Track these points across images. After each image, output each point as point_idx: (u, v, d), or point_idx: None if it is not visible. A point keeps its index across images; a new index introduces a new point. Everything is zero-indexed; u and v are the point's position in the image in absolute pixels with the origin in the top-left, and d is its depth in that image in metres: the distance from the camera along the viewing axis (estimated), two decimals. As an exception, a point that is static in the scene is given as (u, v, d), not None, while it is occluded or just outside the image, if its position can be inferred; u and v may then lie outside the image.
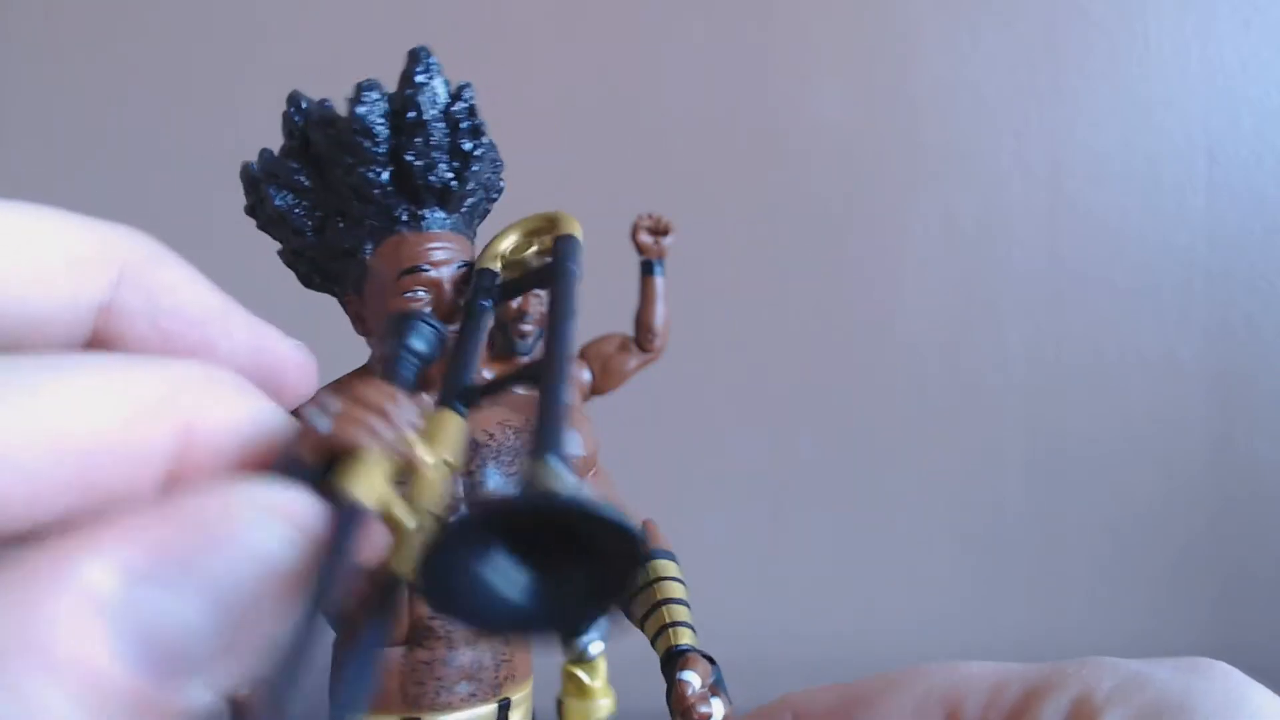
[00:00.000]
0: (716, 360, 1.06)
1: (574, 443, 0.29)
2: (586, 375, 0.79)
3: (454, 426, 0.19)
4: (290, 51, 1.04)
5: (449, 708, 0.25)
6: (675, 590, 0.28)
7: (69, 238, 0.18)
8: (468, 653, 0.25)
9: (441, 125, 0.25)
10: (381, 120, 0.26)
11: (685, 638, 0.27)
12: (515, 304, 0.75)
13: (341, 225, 0.26)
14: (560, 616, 0.16)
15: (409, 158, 0.25)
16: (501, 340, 0.75)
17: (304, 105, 0.26)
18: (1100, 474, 1.07)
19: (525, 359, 0.76)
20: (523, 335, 0.75)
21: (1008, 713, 0.24)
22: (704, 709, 0.25)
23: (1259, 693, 0.22)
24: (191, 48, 1.07)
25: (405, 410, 0.19)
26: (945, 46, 1.09)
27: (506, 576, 0.16)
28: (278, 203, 0.26)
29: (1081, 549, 1.07)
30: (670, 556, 0.30)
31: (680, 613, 0.28)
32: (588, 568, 0.16)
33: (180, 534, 0.14)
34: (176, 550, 0.13)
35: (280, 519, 0.15)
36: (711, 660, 0.26)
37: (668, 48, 1.09)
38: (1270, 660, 1.10)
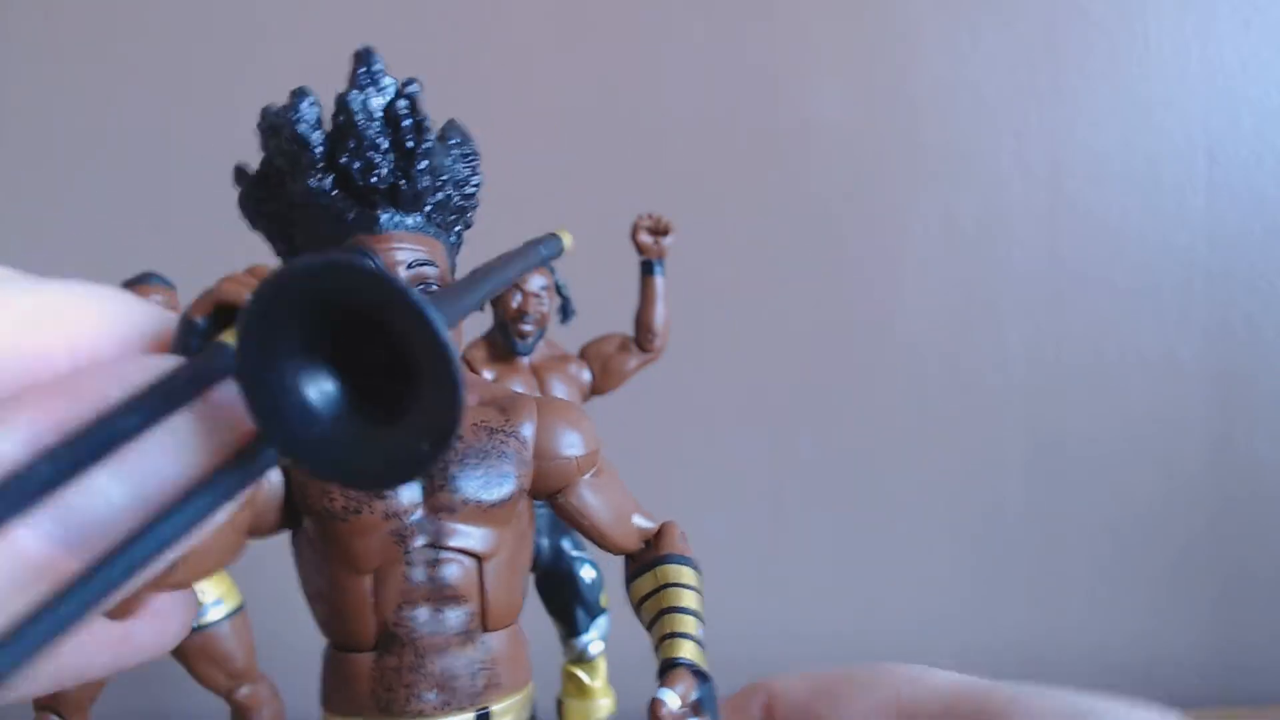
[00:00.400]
0: (716, 360, 1.06)
1: (575, 442, 0.28)
2: (586, 375, 0.79)
3: None
4: (290, 52, 1.04)
5: (420, 715, 0.24)
6: (683, 598, 0.26)
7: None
8: (436, 661, 0.25)
9: (378, 125, 0.25)
10: (314, 127, 0.25)
11: (683, 650, 0.25)
12: (515, 304, 0.75)
13: (303, 235, 0.26)
14: (396, 454, 0.15)
15: (343, 161, 0.25)
16: (502, 340, 0.75)
17: (267, 115, 0.25)
18: (1100, 474, 1.07)
19: (526, 359, 0.76)
20: (523, 335, 0.75)
21: None
22: None
23: None
24: (191, 47, 1.07)
25: None
26: (945, 46, 1.08)
27: (338, 412, 0.16)
28: (256, 226, 0.26)
29: (1081, 549, 1.07)
30: (686, 562, 0.28)
31: (683, 623, 0.26)
32: (415, 400, 0.15)
33: (80, 404, 0.14)
34: (78, 420, 0.14)
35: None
36: (705, 677, 0.25)
37: (668, 48, 1.09)
38: (1269, 660, 1.11)
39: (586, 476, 0.27)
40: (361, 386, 0.16)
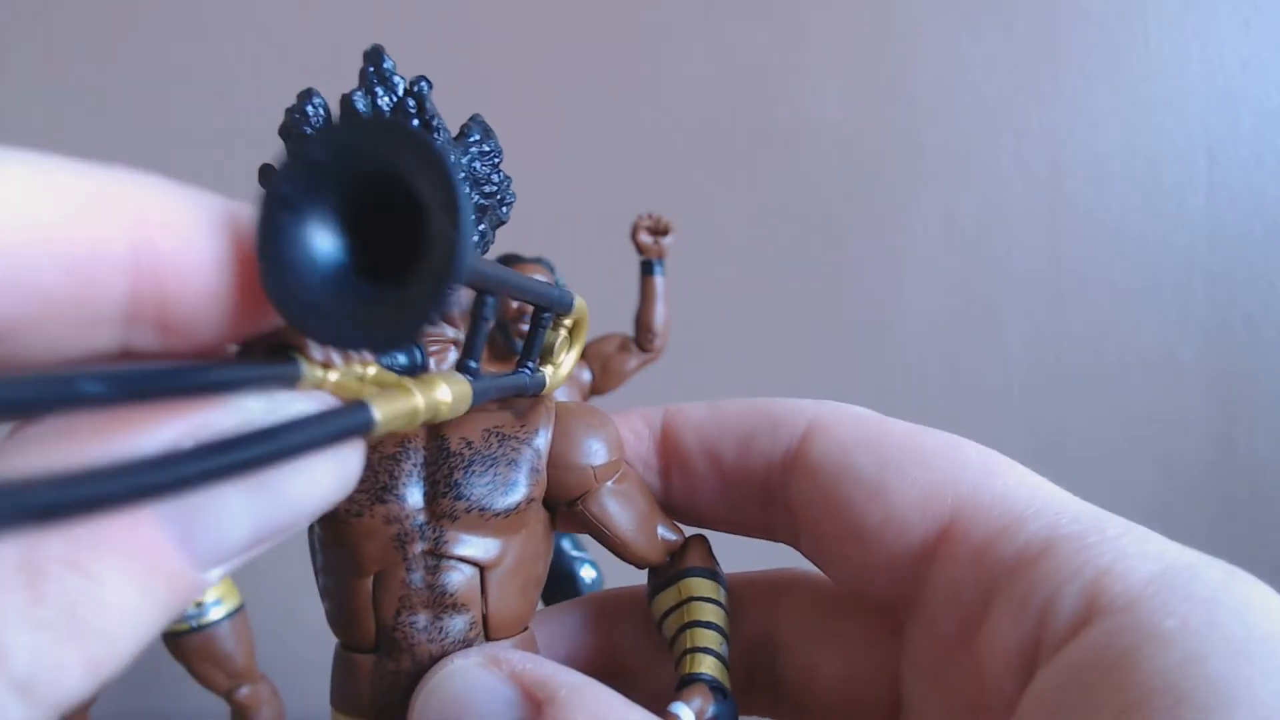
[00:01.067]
0: (716, 360, 1.06)
1: (594, 450, 0.27)
2: (586, 375, 0.79)
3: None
4: (291, 51, 1.04)
5: None
6: (706, 612, 0.25)
7: (80, 186, 0.16)
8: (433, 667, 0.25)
9: None
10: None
11: (703, 665, 0.24)
12: (515, 304, 0.75)
13: None
14: (399, 313, 0.16)
15: None
16: (502, 340, 0.75)
17: (290, 115, 0.25)
18: (1100, 474, 1.07)
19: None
20: (522, 335, 0.75)
21: (1017, 554, 0.20)
22: None
23: None
24: (192, 45, 1.07)
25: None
26: (945, 46, 1.08)
27: (344, 276, 0.16)
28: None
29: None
30: (711, 575, 0.26)
31: (705, 638, 0.24)
32: (422, 256, 0.15)
33: (227, 418, 0.15)
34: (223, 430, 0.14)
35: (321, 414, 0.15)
36: (725, 693, 0.24)
37: (668, 48, 1.09)
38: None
39: (608, 485, 0.26)
40: (368, 263, 0.16)
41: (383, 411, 0.16)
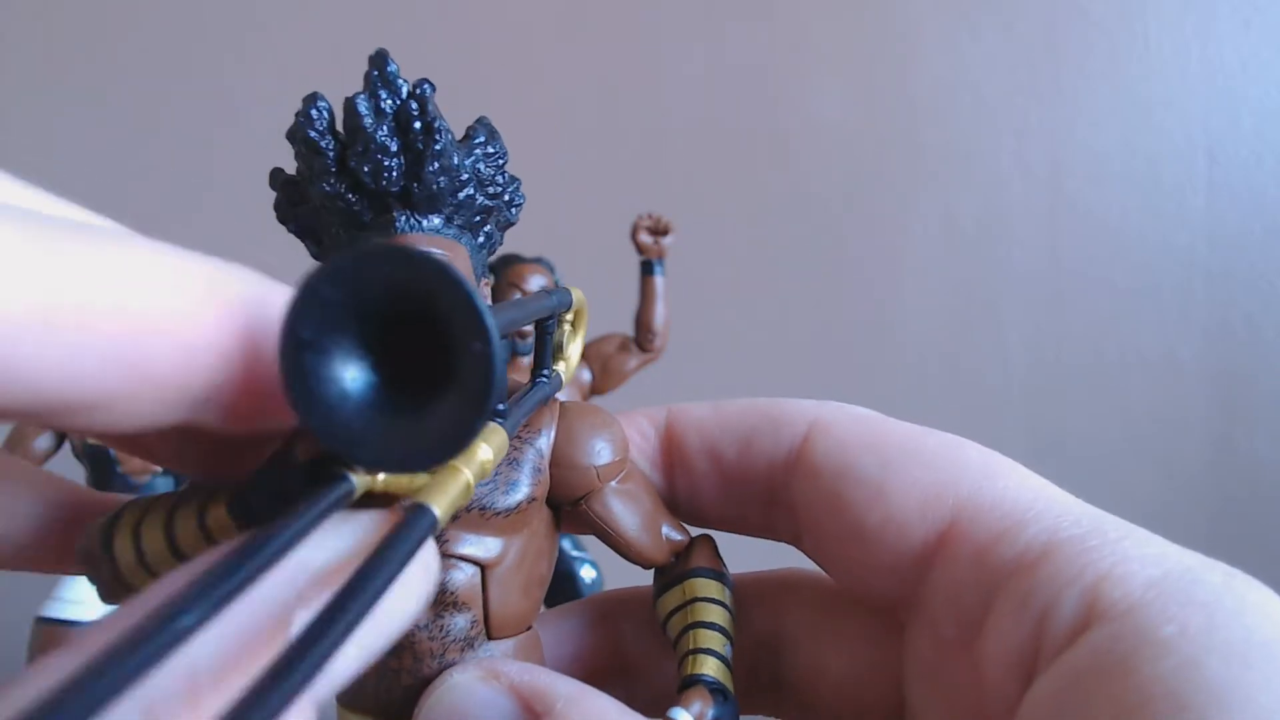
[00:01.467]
0: (716, 360, 1.06)
1: (597, 450, 0.27)
2: (586, 375, 0.79)
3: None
4: (292, 51, 1.04)
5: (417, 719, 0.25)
6: (710, 613, 0.25)
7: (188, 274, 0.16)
8: (433, 665, 0.25)
9: (388, 128, 0.25)
10: (325, 132, 0.25)
11: (705, 666, 0.24)
12: (515, 304, 0.75)
13: (327, 238, 0.26)
14: (435, 434, 0.16)
15: (354, 164, 0.25)
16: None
17: (296, 119, 0.25)
18: (1100, 474, 1.07)
19: (525, 359, 0.76)
20: (522, 335, 0.75)
21: (1017, 557, 0.20)
22: None
23: None
24: (193, 46, 1.07)
25: None
26: (945, 47, 1.08)
27: (374, 399, 0.17)
28: (289, 228, 0.26)
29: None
30: (717, 576, 0.26)
31: (708, 639, 0.24)
32: (453, 380, 0.16)
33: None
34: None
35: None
36: (726, 695, 0.24)
37: (668, 49, 1.09)
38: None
39: (613, 484, 0.26)
40: (396, 377, 0.17)
41: (441, 506, 0.17)
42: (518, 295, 0.74)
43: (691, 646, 0.24)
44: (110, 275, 0.14)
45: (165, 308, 0.15)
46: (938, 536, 0.22)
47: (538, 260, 0.77)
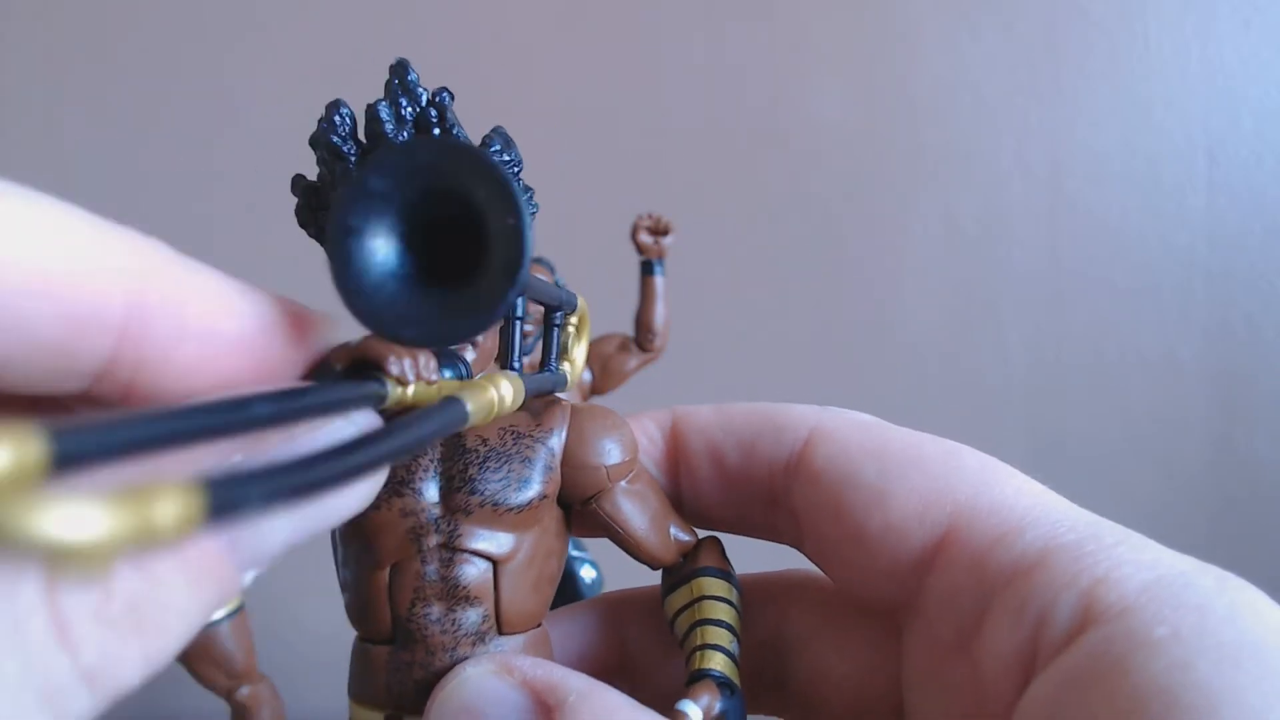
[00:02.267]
0: (716, 360, 1.06)
1: (607, 450, 0.28)
2: (587, 375, 0.79)
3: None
4: (292, 52, 1.04)
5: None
6: (717, 611, 0.25)
7: (94, 244, 0.17)
8: (446, 659, 0.25)
9: (408, 132, 0.26)
10: (348, 137, 0.26)
11: (713, 661, 0.24)
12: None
13: None
14: (465, 307, 0.18)
15: None
16: (502, 340, 0.75)
17: (319, 125, 0.26)
18: (1100, 474, 1.07)
19: (526, 359, 0.76)
20: (524, 335, 0.75)
21: (1015, 561, 0.21)
22: None
23: None
24: (195, 45, 1.07)
25: (428, 360, 0.21)
26: (945, 46, 1.08)
27: (419, 286, 0.18)
28: (310, 233, 0.27)
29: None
30: (724, 575, 0.26)
31: (715, 635, 0.25)
32: (484, 259, 0.18)
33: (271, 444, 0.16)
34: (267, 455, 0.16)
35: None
36: (733, 689, 0.23)
37: (668, 49, 1.09)
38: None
39: (622, 484, 0.27)
40: (435, 263, 0.19)
41: (473, 404, 0.18)
42: (518, 295, 0.74)
43: (699, 643, 0.25)
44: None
45: (50, 270, 0.15)
46: (935, 542, 0.23)
47: (538, 260, 0.77)
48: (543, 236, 0.88)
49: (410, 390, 0.20)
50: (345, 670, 0.27)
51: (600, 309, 0.83)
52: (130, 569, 0.14)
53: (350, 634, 0.27)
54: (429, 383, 0.21)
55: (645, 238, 0.78)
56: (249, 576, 0.16)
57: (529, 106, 1.06)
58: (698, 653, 0.25)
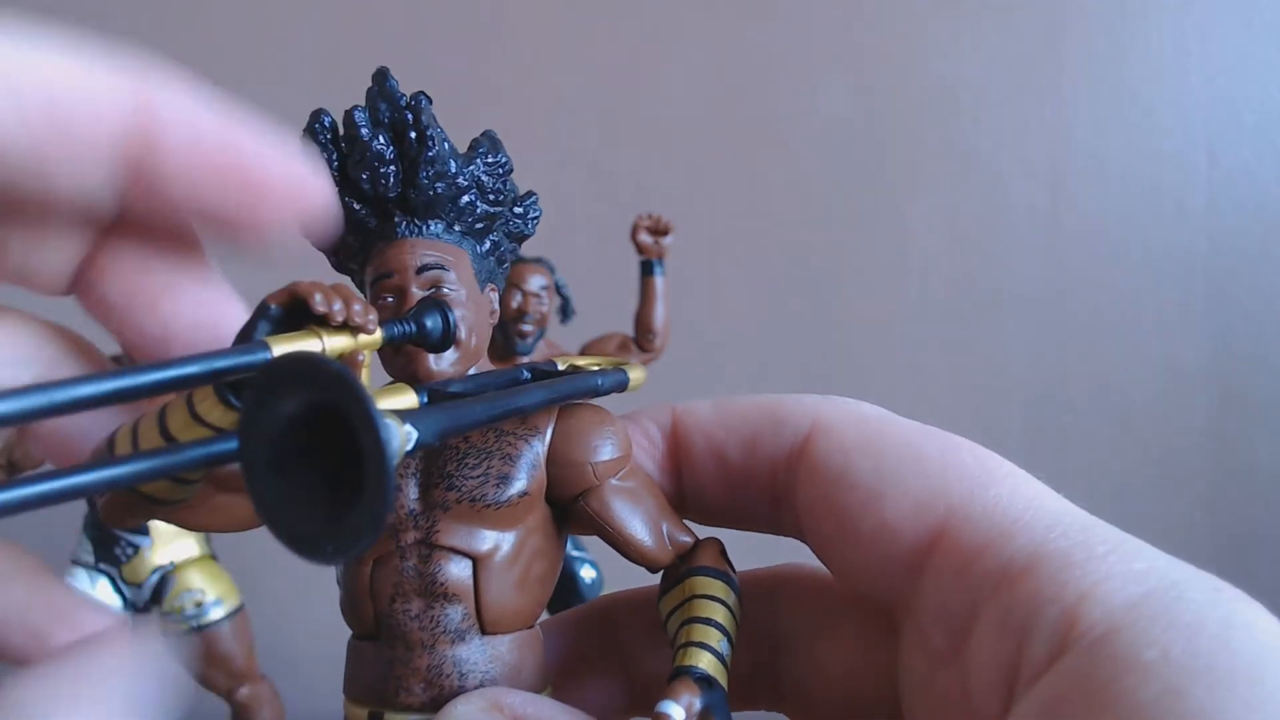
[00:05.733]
0: (717, 360, 1.06)
1: (594, 447, 0.28)
2: (586, 375, 0.79)
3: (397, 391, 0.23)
4: (293, 52, 1.04)
5: (409, 708, 0.25)
6: (709, 609, 0.25)
7: (97, 69, 0.19)
8: (425, 656, 0.25)
9: (384, 136, 0.26)
10: (328, 144, 0.27)
11: (698, 659, 0.23)
12: (515, 304, 0.75)
13: (340, 246, 0.28)
14: (324, 537, 0.18)
15: (352, 172, 0.26)
16: (502, 340, 0.75)
17: (303, 135, 0.27)
18: (1100, 474, 1.07)
19: (525, 358, 0.76)
20: (523, 335, 0.75)
21: (1002, 568, 0.20)
22: None
23: None
24: (197, 46, 1.07)
25: (362, 307, 0.22)
26: (945, 46, 1.08)
27: (306, 486, 0.19)
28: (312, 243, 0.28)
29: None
30: (720, 576, 0.26)
31: (703, 633, 0.24)
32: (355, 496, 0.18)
33: None
34: None
35: None
36: (711, 683, 0.23)
37: (669, 49, 1.09)
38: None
39: (612, 482, 0.27)
40: (330, 472, 0.19)
41: (281, 347, 0.20)
42: (518, 295, 0.74)
43: (685, 640, 0.24)
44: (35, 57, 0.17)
45: (81, 79, 0.18)
46: (928, 543, 0.22)
47: (538, 260, 0.77)
48: (543, 236, 0.88)
49: (341, 340, 0.21)
50: (345, 656, 0.27)
51: (600, 309, 0.83)
52: None
53: (348, 634, 0.27)
54: (367, 332, 0.22)
55: (645, 238, 0.78)
56: None
57: (529, 106, 1.06)
58: (681, 650, 0.24)
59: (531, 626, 0.26)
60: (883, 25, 1.09)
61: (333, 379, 0.18)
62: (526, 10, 1.08)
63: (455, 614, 0.25)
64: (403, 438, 0.18)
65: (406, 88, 0.27)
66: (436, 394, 0.24)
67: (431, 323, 0.25)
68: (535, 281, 0.75)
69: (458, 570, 0.25)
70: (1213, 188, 1.08)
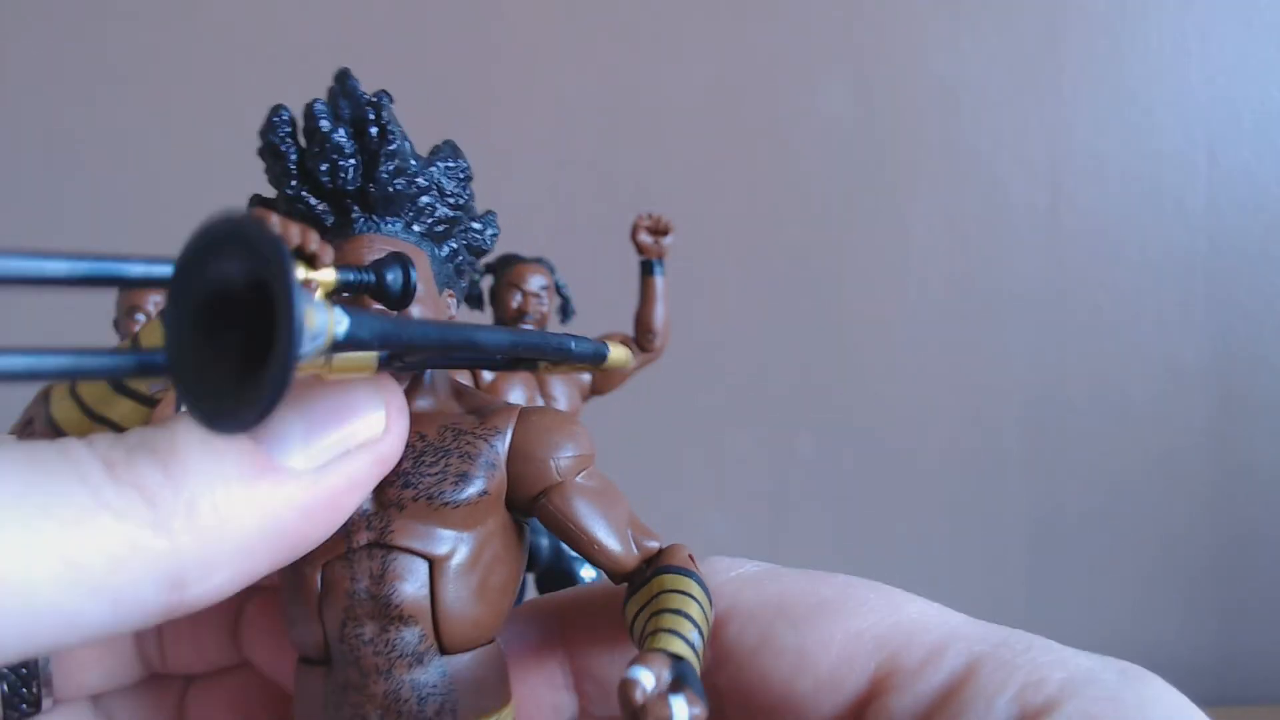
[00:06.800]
0: (716, 360, 1.06)
1: (555, 445, 0.27)
2: (586, 375, 0.79)
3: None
4: (292, 52, 1.04)
5: None
6: (677, 602, 0.23)
7: None
8: (380, 682, 0.24)
9: (344, 131, 0.26)
10: (286, 138, 0.26)
11: (667, 643, 0.22)
12: (515, 304, 0.75)
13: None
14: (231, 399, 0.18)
15: (310, 165, 0.26)
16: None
17: (260, 129, 0.27)
18: (1099, 470, 1.07)
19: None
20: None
21: (943, 684, 0.23)
22: (662, 711, 0.20)
23: (1197, 712, 0.22)
24: (192, 47, 1.07)
25: (315, 240, 0.22)
26: (945, 46, 1.08)
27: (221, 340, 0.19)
28: None
29: (1081, 549, 1.07)
30: (689, 574, 0.24)
31: (674, 622, 0.23)
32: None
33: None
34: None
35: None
36: (681, 660, 0.22)
37: (669, 48, 1.09)
38: (1269, 660, 1.10)
39: (577, 480, 0.26)
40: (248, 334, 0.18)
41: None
42: (518, 295, 0.74)
43: (653, 629, 0.23)
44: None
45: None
46: (868, 683, 0.24)
47: (538, 260, 0.77)
48: (543, 236, 0.88)
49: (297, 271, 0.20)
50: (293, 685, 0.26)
51: (600, 309, 0.83)
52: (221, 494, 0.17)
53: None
54: (322, 263, 0.22)
55: (645, 238, 0.78)
56: (298, 462, 0.20)
57: (529, 105, 1.06)
58: (650, 638, 0.22)
59: (491, 641, 0.26)
60: (883, 25, 1.09)
61: (260, 235, 0.17)
62: (526, 10, 1.08)
63: (412, 636, 0.24)
64: (331, 319, 0.18)
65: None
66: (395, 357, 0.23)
67: (391, 275, 0.24)
68: (535, 281, 0.75)
69: (413, 589, 0.24)
70: (1213, 188, 1.08)
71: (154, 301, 0.74)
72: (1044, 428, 1.08)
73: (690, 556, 0.26)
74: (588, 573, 0.79)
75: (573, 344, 0.26)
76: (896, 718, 0.23)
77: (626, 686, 0.20)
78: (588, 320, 0.81)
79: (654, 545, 0.26)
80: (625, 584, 0.26)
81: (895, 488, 1.08)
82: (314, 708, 0.24)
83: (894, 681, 0.23)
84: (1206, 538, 1.07)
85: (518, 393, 0.73)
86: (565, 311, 0.81)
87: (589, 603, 0.28)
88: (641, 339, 0.79)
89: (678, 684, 0.21)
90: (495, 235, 0.29)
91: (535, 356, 0.26)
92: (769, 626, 0.25)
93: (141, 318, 0.73)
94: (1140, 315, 1.08)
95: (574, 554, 0.79)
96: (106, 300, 0.75)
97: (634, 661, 0.21)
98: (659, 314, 0.78)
